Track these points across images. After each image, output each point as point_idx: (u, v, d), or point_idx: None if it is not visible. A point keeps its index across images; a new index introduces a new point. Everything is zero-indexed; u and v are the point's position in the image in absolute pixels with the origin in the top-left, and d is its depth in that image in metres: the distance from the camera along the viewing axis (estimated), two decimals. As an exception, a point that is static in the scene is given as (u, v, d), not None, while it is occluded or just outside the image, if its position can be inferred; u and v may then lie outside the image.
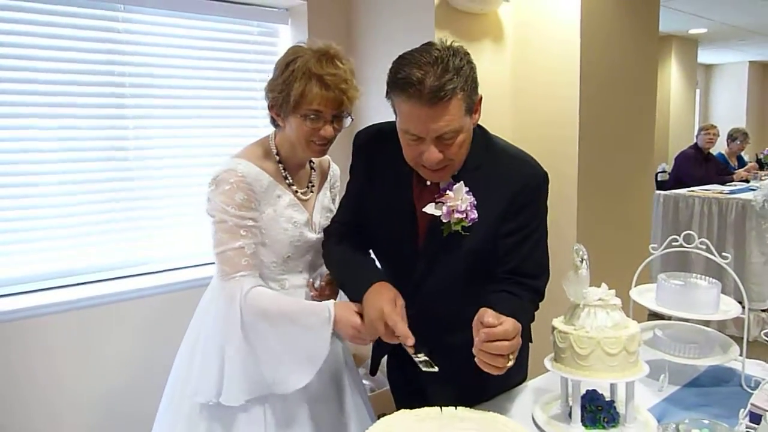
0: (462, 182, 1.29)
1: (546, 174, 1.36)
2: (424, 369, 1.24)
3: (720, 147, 6.09)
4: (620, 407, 1.31)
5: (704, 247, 1.54)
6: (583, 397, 1.31)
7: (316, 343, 1.32)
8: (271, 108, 1.46)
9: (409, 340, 1.22)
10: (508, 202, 1.30)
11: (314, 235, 1.53)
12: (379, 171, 1.43)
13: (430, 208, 1.29)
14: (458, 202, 1.26)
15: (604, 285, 1.35)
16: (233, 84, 2.80)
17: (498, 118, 2.79)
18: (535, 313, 1.40)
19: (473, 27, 2.70)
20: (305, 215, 1.51)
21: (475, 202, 1.28)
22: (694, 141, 5.87)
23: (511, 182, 1.30)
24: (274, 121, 1.50)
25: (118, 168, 2.55)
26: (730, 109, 9.30)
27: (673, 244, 1.60)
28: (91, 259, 2.48)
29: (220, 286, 1.39)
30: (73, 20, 2.37)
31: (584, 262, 1.33)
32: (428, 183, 1.34)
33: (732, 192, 4.69)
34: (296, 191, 1.52)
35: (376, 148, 1.45)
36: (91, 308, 2.33)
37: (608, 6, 2.80)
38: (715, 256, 1.50)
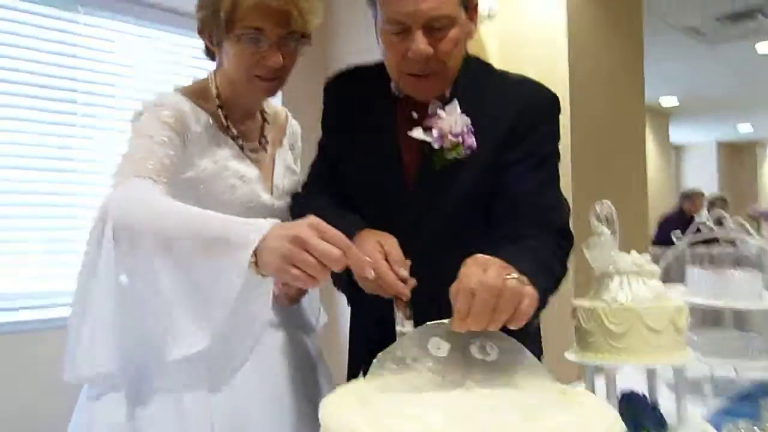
0: (456, 100, 1.06)
1: (556, 96, 1.14)
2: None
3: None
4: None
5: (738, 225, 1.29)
6: (619, 402, 1.00)
7: (227, 275, 0.80)
8: (200, 32, 1.14)
9: (405, 293, 0.93)
10: (511, 125, 1.07)
11: (276, 201, 1.19)
12: (356, 116, 1.19)
13: (417, 133, 1.06)
14: (451, 123, 1.04)
15: (633, 251, 1.09)
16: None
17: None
18: (567, 263, 1.09)
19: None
20: (256, 171, 1.17)
21: (472, 128, 1.06)
22: (678, 206, 5.82)
23: (513, 102, 1.09)
24: (209, 52, 1.18)
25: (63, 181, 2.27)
26: (702, 188, 9.44)
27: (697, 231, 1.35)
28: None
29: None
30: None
31: (609, 222, 1.08)
32: (414, 115, 1.10)
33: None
34: (242, 146, 1.17)
35: (351, 89, 1.22)
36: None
37: (594, 26, 2.72)
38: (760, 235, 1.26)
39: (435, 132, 1.04)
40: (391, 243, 0.99)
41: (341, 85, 1.24)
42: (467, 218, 1.10)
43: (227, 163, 1.12)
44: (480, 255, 0.87)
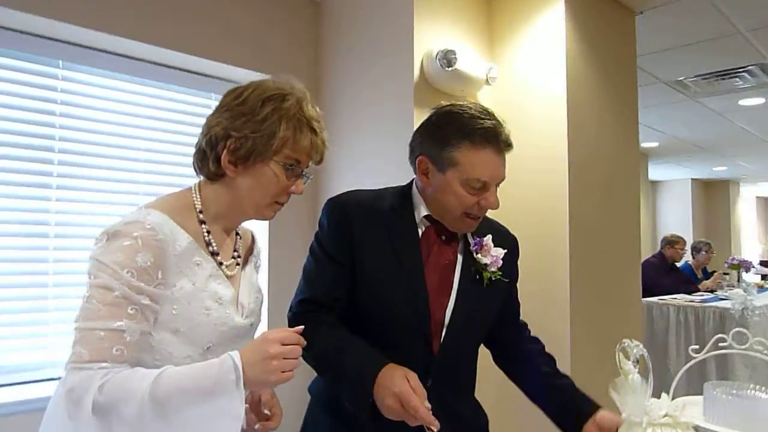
0: (490, 235, 1.37)
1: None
2: None
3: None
4: None
5: (762, 348, 1.22)
6: None
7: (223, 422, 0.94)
8: (233, 151, 1.10)
9: (434, 425, 1.09)
10: (510, 258, 1.41)
11: (242, 320, 1.16)
12: (368, 241, 1.32)
13: (481, 256, 1.35)
14: (496, 252, 1.36)
15: (664, 395, 1.02)
16: (180, 159, 2.48)
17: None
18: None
19: (452, 110, 2.51)
20: (232, 291, 1.16)
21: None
22: (658, 250, 5.81)
23: (505, 240, 1.42)
24: (211, 169, 1.14)
25: (35, 246, 2.12)
26: (677, 223, 9.57)
27: (720, 344, 1.28)
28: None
29: (63, 378, 0.96)
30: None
31: (641, 364, 1.01)
32: (443, 238, 1.35)
33: (704, 301, 4.53)
34: (221, 263, 1.16)
35: (362, 215, 1.34)
36: None
37: (591, 86, 2.69)
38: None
39: (489, 257, 1.35)
40: (414, 378, 1.15)
41: (351, 203, 1.35)
42: (490, 321, 1.41)
43: (206, 284, 1.10)
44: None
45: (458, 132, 1.26)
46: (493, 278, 1.34)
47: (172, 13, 2.32)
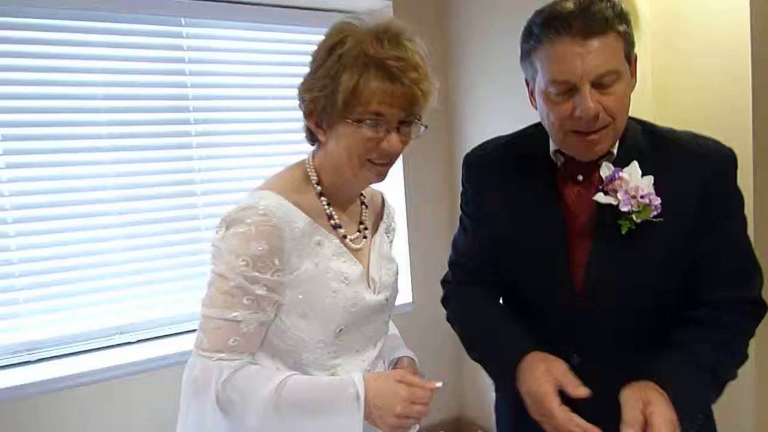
0: (636, 162, 1.04)
1: (734, 154, 1.09)
2: None
3: None
4: None
5: None
6: None
7: None
8: (309, 116, 1.05)
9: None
10: (696, 197, 1.04)
11: (374, 297, 1.10)
12: (512, 184, 1.16)
13: (600, 197, 1.04)
14: (638, 184, 1.01)
15: None
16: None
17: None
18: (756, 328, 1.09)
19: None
20: (359, 268, 1.09)
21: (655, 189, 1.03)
22: None
23: (694, 171, 1.05)
24: (311, 136, 1.09)
25: (185, 206, 2.24)
26: None
27: None
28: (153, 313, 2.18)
29: (191, 360, 1.00)
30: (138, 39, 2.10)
31: None
32: (580, 178, 1.09)
33: None
34: (344, 236, 1.09)
35: (498, 160, 1.20)
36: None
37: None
38: None
39: (621, 194, 1.01)
40: (562, 371, 1.00)
41: (487, 156, 1.22)
42: (662, 290, 1.06)
43: (329, 264, 1.05)
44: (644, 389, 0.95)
45: (524, 34, 1.04)
46: (637, 221, 1.02)
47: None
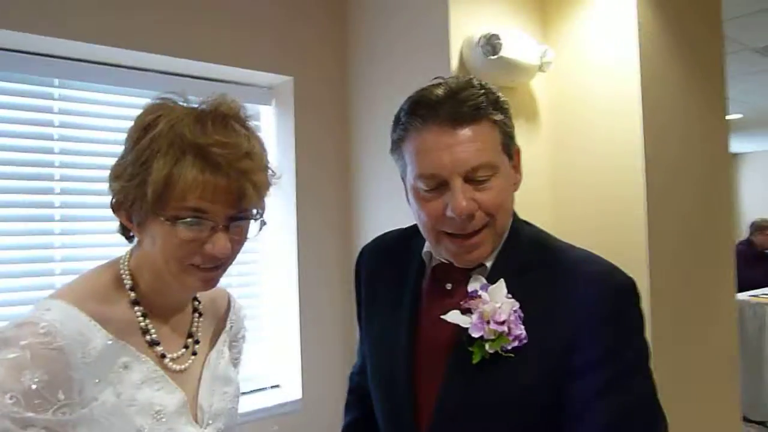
0: (502, 280, 0.89)
1: (634, 283, 0.90)
2: None
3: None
4: None
5: None
6: None
7: None
8: (117, 209, 0.87)
9: None
10: (579, 323, 0.85)
11: (199, 431, 0.90)
12: (380, 293, 1.06)
13: (453, 316, 0.89)
14: (497, 306, 0.85)
15: None
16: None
17: (535, 211, 2.17)
18: None
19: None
20: (179, 397, 0.88)
21: (522, 315, 0.87)
22: (746, 237, 5.21)
23: (582, 292, 0.87)
24: (125, 231, 0.92)
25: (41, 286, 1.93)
26: (760, 198, 8.67)
27: None
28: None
29: None
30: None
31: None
32: (448, 286, 0.95)
33: (805, 297, 3.97)
34: (163, 355, 0.89)
35: (378, 259, 1.11)
36: None
37: (669, 70, 2.24)
38: None
39: (474, 316, 0.86)
40: None
41: (374, 249, 1.14)
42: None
43: (135, 394, 0.82)
44: None
45: (396, 118, 0.96)
46: (490, 351, 0.84)
47: (179, 18, 2.06)
